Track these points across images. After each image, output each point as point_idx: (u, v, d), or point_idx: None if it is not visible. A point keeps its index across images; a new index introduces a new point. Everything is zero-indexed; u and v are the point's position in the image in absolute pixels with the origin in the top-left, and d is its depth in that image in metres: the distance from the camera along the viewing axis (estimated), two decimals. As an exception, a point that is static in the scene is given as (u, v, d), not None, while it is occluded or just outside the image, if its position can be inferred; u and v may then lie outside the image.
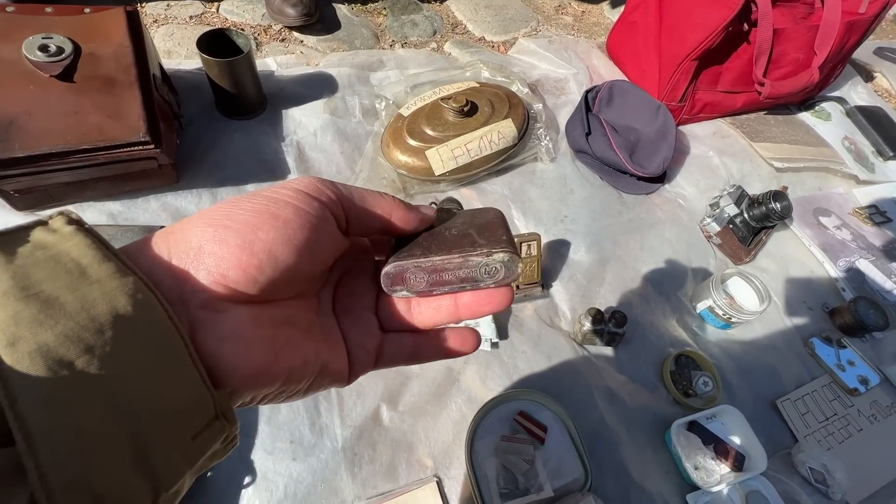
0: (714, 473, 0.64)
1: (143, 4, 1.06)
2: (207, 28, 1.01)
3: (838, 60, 1.13)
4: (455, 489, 0.61)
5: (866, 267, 0.95)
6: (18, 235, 0.14)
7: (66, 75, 0.66)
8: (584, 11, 1.42)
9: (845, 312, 0.86)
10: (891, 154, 1.17)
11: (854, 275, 0.94)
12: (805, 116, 1.20)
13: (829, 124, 1.19)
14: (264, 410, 0.62)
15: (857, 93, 1.31)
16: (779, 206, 0.87)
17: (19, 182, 0.65)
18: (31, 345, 0.12)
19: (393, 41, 1.14)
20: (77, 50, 0.68)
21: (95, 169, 0.68)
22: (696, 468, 0.65)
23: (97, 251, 0.14)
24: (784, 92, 1.06)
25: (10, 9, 0.69)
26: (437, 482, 0.61)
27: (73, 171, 0.66)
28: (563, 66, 1.12)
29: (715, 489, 0.64)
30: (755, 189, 1.00)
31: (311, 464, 0.59)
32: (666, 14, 1.04)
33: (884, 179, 1.13)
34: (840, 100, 1.25)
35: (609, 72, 1.16)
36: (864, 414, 0.77)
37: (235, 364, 0.17)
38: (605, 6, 1.44)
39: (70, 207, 0.67)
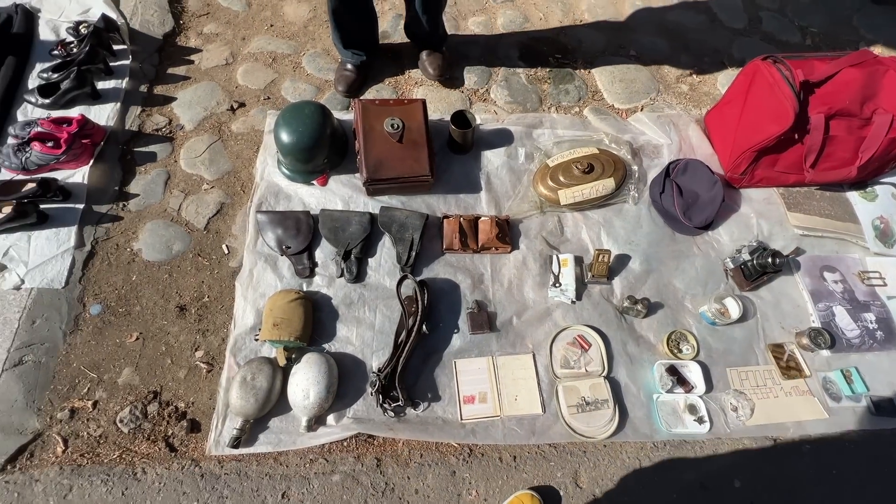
0: (669, 385, 1.28)
1: (409, 72, 1.83)
2: (444, 90, 1.76)
3: (883, 163, 1.49)
4: (541, 362, 1.34)
5: (840, 312, 1.41)
6: None
7: (399, 139, 1.46)
8: (700, 81, 1.87)
9: (803, 335, 1.37)
10: (920, 235, 1.51)
11: (827, 315, 1.41)
12: (852, 195, 1.58)
13: (870, 204, 1.56)
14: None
15: (919, 179, 1.61)
16: (777, 261, 1.37)
17: (376, 185, 1.47)
18: None
19: (551, 104, 1.78)
20: (403, 125, 1.47)
21: (404, 184, 1.48)
22: (662, 383, 1.29)
23: None
24: (824, 181, 1.49)
25: (376, 101, 1.50)
26: (533, 355, 1.34)
27: (395, 183, 1.47)
28: (662, 137, 1.66)
29: (670, 397, 1.28)
30: (778, 244, 1.49)
31: (479, 338, 1.35)
32: (744, 116, 1.51)
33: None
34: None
35: (699, 143, 1.67)
36: (785, 388, 1.31)
37: None
38: (720, 79, 1.87)
39: (385, 198, 1.50)
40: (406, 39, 1.81)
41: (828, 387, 1.33)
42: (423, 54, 1.78)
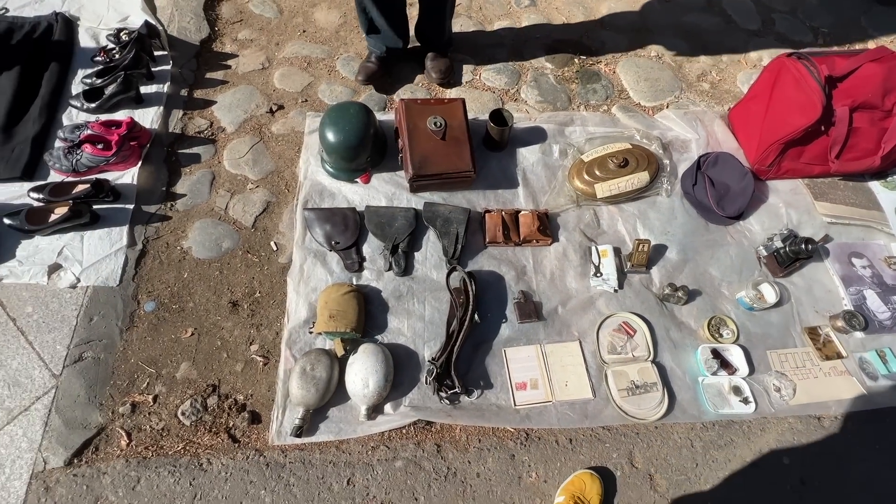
0: (714, 367, 1.32)
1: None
2: (475, 90, 1.81)
3: (904, 151, 1.56)
4: (587, 348, 1.38)
5: (870, 295, 1.47)
6: None
7: (443, 137, 1.50)
8: (720, 80, 1.94)
9: (838, 318, 1.42)
10: (940, 222, 1.58)
11: (858, 298, 1.46)
12: (874, 184, 1.65)
13: (892, 192, 1.63)
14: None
15: (937, 169, 1.68)
16: (809, 247, 1.43)
17: (420, 182, 1.51)
18: None
19: (580, 103, 1.84)
20: (445, 123, 1.51)
21: (447, 180, 1.52)
22: (708, 366, 1.33)
23: None
24: (849, 171, 1.55)
25: (418, 100, 1.54)
26: (580, 343, 1.38)
27: (438, 180, 1.51)
28: (689, 132, 1.72)
29: (715, 379, 1.32)
30: (807, 232, 1.55)
31: (527, 327, 1.39)
32: (770, 110, 1.57)
33: (921, 240, 1.57)
34: (915, 174, 1.66)
35: (724, 137, 1.73)
36: (823, 369, 1.36)
37: None
38: (739, 77, 1.94)
39: (426, 194, 1.53)
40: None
41: (864, 366, 1.38)
42: (428, 58, 1.84)
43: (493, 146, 1.66)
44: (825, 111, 1.44)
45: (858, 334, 1.42)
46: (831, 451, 1.27)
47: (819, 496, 1.22)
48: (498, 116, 1.59)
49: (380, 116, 1.71)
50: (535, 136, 1.71)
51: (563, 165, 1.66)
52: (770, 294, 1.42)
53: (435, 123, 1.50)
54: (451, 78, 1.84)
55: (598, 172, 1.58)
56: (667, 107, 1.83)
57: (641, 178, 1.56)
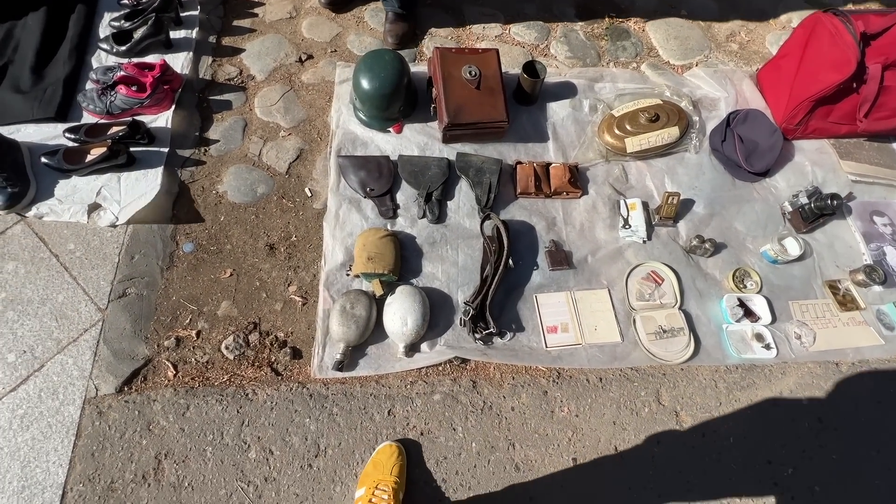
0: (738, 315, 1.37)
1: (469, 26, 1.87)
2: (505, 45, 1.80)
3: (932, 112, 1.57)
4: (616, 296, 1.42)
5: (890, 251, 1.51)
6: None
7: (477, 86, 1.51)
8: (749, 41, 1.94)
9: (858, 272, 1.46)
10: (961, 183, 1.61)
11: (878, 254, 1.51)
12: (898, 146, 1.67)
13: (916, 155, 1.65)
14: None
15: (960, 132, 1.70)
16: (834, 202, 1.46)
17: (454, 131, 1.52)
18: None
19: (609, 60, 1.83)
20: (480, 73, 1.51)
21: (480, 129, 1.53)
22: (732, 314, 1.38)
23: None
24: (876, 130, 1.57)
25: (453, 49, 1.54)
26: (608, 291, 1.42)
27: (472, 129, 1.52)
28: (718, 91, 1.73)
29: (738, 326, 1.37)
30: (831, 190, 1.57)
31: (557, 275, 1.43)
32: (802, 68, 1.58)
33: (943, 200, 1.60)
34: (939, 137, 1.68)
35: (752, 96, 1.74)
36: (842, 319, 1.41)
37: None
38: (768, 38, 1.93)
39: (458, 145, 1.55)
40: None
41: (881, 318, 1.43)
42: (387, 19, 1.77)
43: (524, 100, 1.67)
44: (859, 67, 1.44)
45: (877, 288, 1.46)
46: (848, 393, 1.33)
47: (836, 434, 1.29)
48: (531, 68, 1.59)
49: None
50: (566, 91, 1.72)
51: (593, 121, 1.67)
52: (794, 247, 1.46)
53: (470, 73, 1.50)
54: (407, 44, 1.79)
55: (628, 127, 1.59)
56: (696, 65, 1.83)
57: (672, 132, 1.58)
